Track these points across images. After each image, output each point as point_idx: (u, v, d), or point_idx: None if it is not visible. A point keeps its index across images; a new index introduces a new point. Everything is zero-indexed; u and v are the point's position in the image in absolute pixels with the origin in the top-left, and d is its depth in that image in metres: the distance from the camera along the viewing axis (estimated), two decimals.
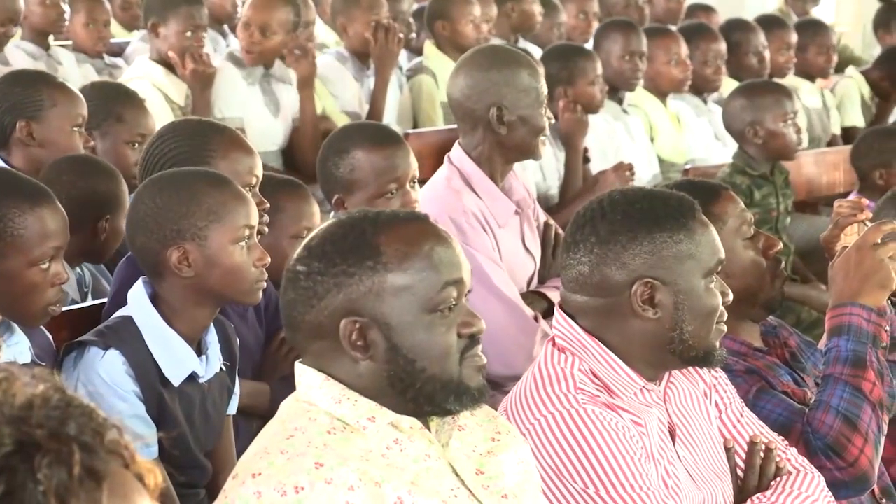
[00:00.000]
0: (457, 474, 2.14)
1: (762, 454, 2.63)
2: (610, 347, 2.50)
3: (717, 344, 2.54)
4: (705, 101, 6.40)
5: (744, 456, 2.65)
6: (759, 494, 2.60)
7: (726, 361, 2.83)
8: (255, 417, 3.16)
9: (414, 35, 6.71)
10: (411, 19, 6.67)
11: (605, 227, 2.49)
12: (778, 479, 2.62)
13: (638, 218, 2.49)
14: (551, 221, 4.04)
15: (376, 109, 5.79)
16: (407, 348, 2.09)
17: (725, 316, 2.55)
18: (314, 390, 2.12)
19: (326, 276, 2.09)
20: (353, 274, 2.08)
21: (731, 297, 2.55)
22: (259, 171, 3.23)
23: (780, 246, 3.02)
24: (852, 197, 5.40)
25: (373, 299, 2.08)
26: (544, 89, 3.85)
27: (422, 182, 3.76)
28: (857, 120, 7.29)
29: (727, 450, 2.64)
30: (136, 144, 4.09)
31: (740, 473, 2.64)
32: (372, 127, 3.86)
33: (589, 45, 6.30)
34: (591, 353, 2.50)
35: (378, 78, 5.84)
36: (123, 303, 2.85)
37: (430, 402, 2.12)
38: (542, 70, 3.95)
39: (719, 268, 2.53)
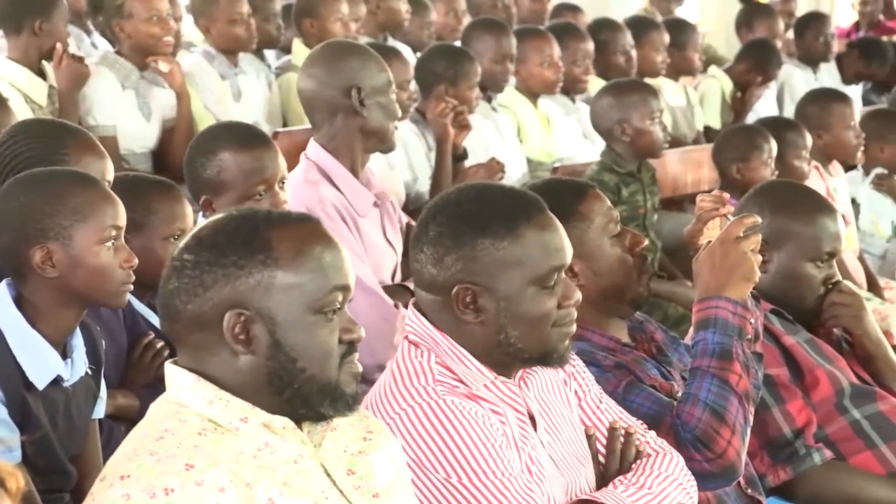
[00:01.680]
0: (328, 475, 2.14)
1: (622, 439, 2.66)
2: (456, 342, 2.52)
3: (559, 346, 2.53)
4: (573, 101, 6.46)
5: (605, 441, 2.68)
6: (621, 476, 2.63)
7: (594, 356, 2.87)
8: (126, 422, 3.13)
9: (281, 35, 6.65)
10: (280, 21, 6.61)
11: (434, 227, 2.51)
12: (639, 461, 2.66)
13: (463, 221, 2.49)
14: (413, 223, 4.07)
15: None
16: (289, 346, 2.09)
17: (571, 316, 2.54)
18: (185, 391, 2.10)
19: (216, 267, 2.08)
20: (244, 266, 2.08)
21: (577, 299, 2.53)
22: (110, 176, 3.19)
23: (647, 243, 3.05)
24: (714, 192, 5.50)
25: (261, 293, 2.08)
26: (392, 77, 3.94)
27: None
28: (715, 121, 7.42)
29: (588, 436, 2.67)
30: None
31: (602, 459, 2.67)
32: (239, 128, 3.84)
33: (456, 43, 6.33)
34: (443, 348, 2.51)
35: None
36: None
37: (306, 403, 2.12)
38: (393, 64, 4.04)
39: (555, 274, 2.50)
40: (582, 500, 2.57)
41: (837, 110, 5.93)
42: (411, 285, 3.88)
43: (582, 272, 2.94)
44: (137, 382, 3.24)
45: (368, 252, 3.84)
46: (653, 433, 2.75)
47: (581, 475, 2.61)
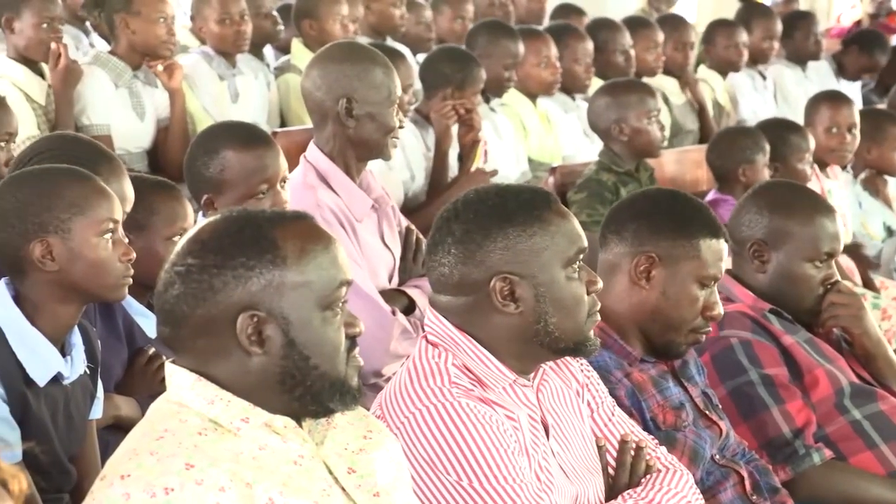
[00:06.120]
0: (331, 473, 2.14)
1: (633, 452, 2.67)
2: (479, 342, 2.52)
3: (591, 335, 2.57)
4: (573, 99, 6.45)
5: (615, 454, 2.68)
6: (629, 490, 2.63)
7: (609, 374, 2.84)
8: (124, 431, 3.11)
9: (281, 28, 6.62)
10: (275, 13, 6.58)
11: (459, 227, 2.53)
12: (648, 476, 2.66)
13: (489, 215, 2.52)
14: (412, 227, 4.05)
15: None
16: (303, 344, 2.09)
17: (597, 304, 2.58)
18: (185, 391, 2.10)
19: (224, 270, 2.07)
20: (253, 267, 2.08)
21: (599, 285, 2.57)
22: (131, 195, 3.14)
23: (718, 312, 2.96)
24: (712, 195, 5.51)
25: (272, 294, 2.08)
26: (398, 90, 3.83)
27: None
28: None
29: (599, 447, 2.67)
30: (3, 143, 4.03)
31: (611, 471, 2.67)
32: (241, 127, 3.82)
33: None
34: (463, 348, 2.52)
35: None
36: None
37: (316, 400, 2.12)
38: (396, 72, 3.89)
39: (581, 256, 2.55)
40: None
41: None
42: (408, 290, 3.90)
43: (657, 282, 2.93)
44: (140, 394, 3.22)
45: (366, 257, 3.82)
46: (663, 449, 2.74)
47: (590, 486, 2.61)
